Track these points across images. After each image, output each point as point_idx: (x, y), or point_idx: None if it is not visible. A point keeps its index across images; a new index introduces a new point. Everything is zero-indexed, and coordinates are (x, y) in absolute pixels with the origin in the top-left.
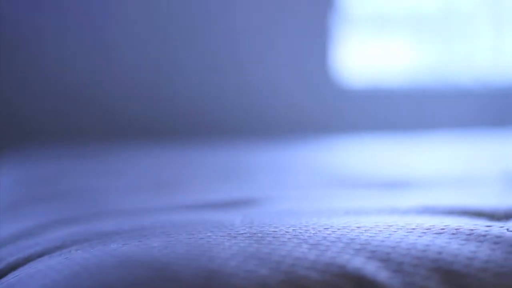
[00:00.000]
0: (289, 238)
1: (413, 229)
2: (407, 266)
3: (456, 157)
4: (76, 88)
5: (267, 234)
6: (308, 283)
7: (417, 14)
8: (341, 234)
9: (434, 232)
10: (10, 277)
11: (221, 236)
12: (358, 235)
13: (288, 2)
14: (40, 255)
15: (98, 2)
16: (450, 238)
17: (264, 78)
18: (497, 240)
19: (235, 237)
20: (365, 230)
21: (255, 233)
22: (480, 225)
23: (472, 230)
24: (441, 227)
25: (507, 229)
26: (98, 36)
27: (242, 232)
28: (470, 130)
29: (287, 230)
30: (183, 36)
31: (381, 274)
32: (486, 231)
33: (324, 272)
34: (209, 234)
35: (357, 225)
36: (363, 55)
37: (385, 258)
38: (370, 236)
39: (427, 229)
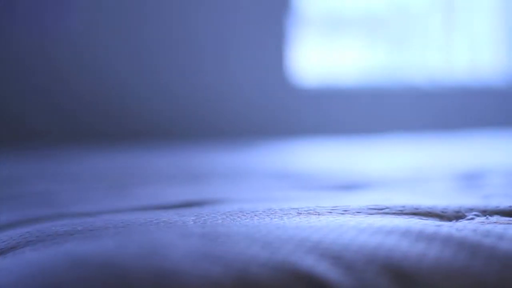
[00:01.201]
0: (241, 238)
1: (364, 228)
2: (358, 265)
3: (409, 158)
4: (47, 92)
5: (220, 234)
6: (261, 283)
7: (371, 15)
8: (293, 234)
9: (385, 231)
10: None
11: (174, 236)
12: (310, 235)
13: (243, 4)
14: None
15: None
16: (400, 238)
17: (220, 80)
18: (446, 240)
19: (188, 237)
20: (316, 230)
21: (208, 233)
22: (430, 225)
23: (421, 229)
24: (391, 227)
25: (456, 229)
26: (62, 38)
27: (195, 232)
28: (423, 131)
29: (240, 230)
30: (138, 36)
31: (333, 273)
32: (435, 231)
33: (277, 271)
34: (162, 234)
35: (309, 224)
36: (318, 55)
37: (337, 257)
38: (322, 236)
39: (377, 228)
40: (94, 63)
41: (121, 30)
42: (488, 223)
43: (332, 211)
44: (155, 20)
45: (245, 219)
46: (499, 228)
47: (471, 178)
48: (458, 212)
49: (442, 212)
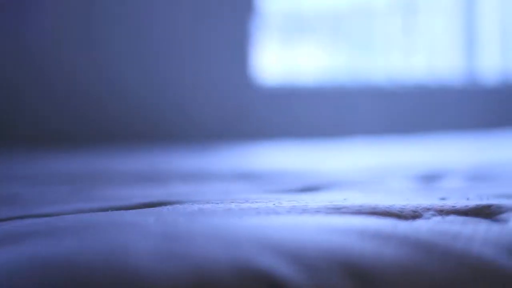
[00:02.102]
0: (202, 238)
1: (322, 228)
2: (316, 264)
3: (368, 159)
4: (18, 94)
5: (181, 234)
6: (220, 282)
7: (332, 15)
8: (252, 234)
9: (343, 231)
10: None
11: (135, 236)
12: (268, 235)
13: (206, 4)
14: None
15: None
16: (357, 237)
17: (183, 81)
18: (403, 239)
19: (149, 237)
20: (275, 230)
21: (168, 233)
22: (387, 224)
23: (379, 229)
24: (349, 226)
25: (413, 228)
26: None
27: (156, 232)
28: (384, 130)
29: (200, 230)
30: (101, 37)
31: (291, 272)
32: (392, 230)
33: (236, 271)
34: (123, 234)
35: (268, 224)
36: (281, 55)
37: (295, 257)
38: (280, 235)
39: (336, 228)
40: (60, 67)
41: (83, 32)
42: (444, 223)
43: (291, 211)
44: (118, 19)
45: (205, 219)
46: (454, 228)
47: (429, 179)
48: (415, 211)
49: (400, 211)
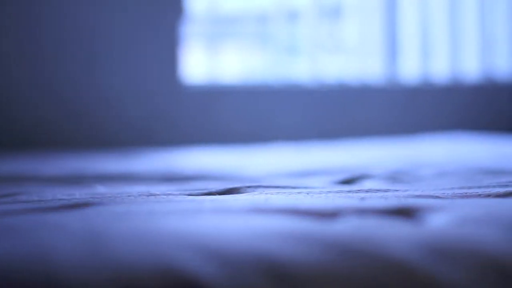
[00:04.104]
0: (125, 239)
1: (244, 228)
2: (237, 265)
3: (292, 161)
4: None
5: (104, 235)
6: (142, 284)
7: (258, 16)
8: (175, 234)
9: (263, 231)
10: None
11: (58, 238)
12: (191, 235)
13: (132, 3)
14: None
15: None
16: (277, 237)
17: (111, 83)
18: (322, 240)
19: (72, 239)
20: (198, 230)
21: (91, 235)
22: (307, 225)
23: (298, 229)
24: (270, 226)
25: (331, 229)
26: None
27: (79, 234)
28: (311, 131)
29: (123, 231)
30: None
31: (212, 274)
32: (312, 231)
33: (158, 272)
34: (46, 236)
35: (191, 225)
36: (209, 56)
37: (217, 258)
38: (203, 236)
39: (256, 228)
40: None
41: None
42: (363, 223)
43: (213, 211)
44: (41, 18)
45: (129, 220)
46: (373, 228)
47: (350, 180)
48: (334, 212)
49: (320, 212)
